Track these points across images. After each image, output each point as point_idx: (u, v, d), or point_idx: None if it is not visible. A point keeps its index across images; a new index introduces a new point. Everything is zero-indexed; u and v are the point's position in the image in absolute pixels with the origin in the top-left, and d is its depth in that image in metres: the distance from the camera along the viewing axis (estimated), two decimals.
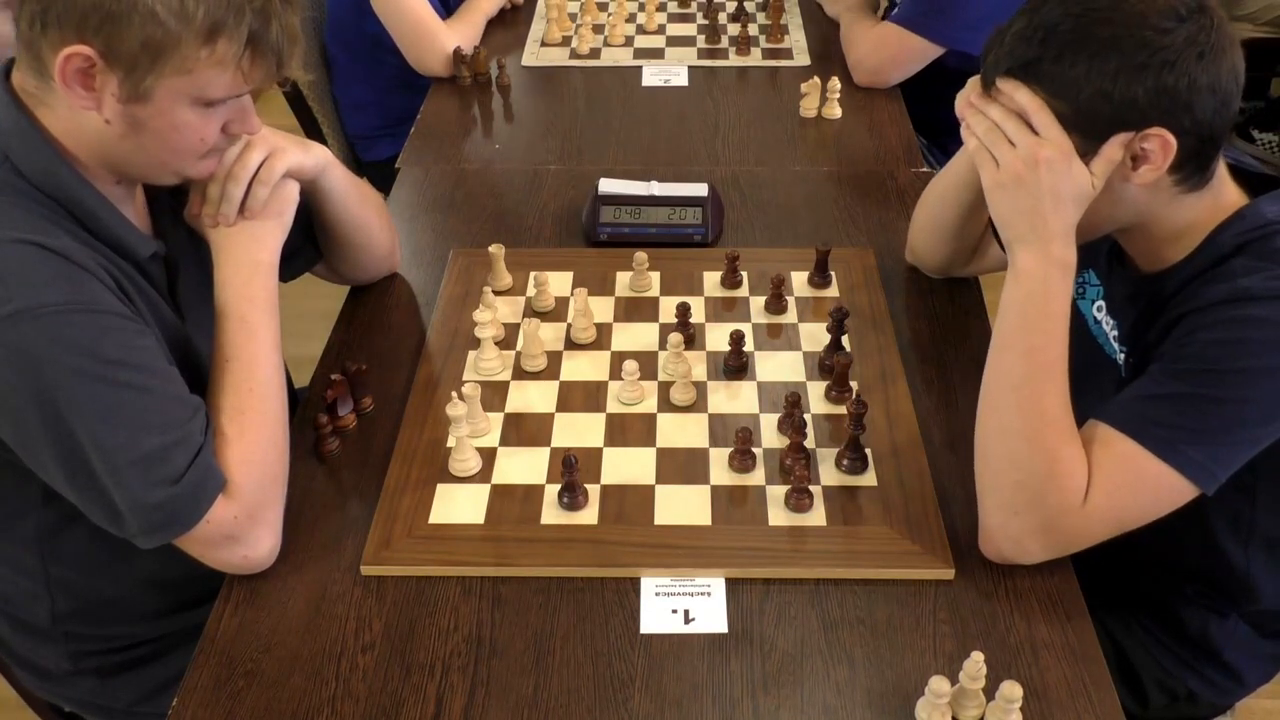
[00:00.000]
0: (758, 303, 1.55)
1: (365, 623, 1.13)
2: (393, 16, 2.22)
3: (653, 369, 1.43)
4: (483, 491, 1.26)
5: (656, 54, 2.31)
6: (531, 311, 1.53)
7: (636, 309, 1.54)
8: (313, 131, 2.45)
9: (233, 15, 1.06)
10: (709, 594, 1.15)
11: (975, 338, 1.50)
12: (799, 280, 1.58)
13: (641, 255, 1.58)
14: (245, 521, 1.13)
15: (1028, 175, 1.11)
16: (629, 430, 1.34)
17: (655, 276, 1.59)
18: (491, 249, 1.57)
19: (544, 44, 2.36)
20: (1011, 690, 0.99)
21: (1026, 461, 1.11)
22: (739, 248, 1.60)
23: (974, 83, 1.19)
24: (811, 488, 1.24)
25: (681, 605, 1.14)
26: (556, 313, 1.54)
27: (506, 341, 1.48)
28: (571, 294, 1.53)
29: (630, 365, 1.37)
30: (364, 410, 1.38)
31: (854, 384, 1.39)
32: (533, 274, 1.57)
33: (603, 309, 1.54)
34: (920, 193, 1.57)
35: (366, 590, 1.17)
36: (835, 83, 2.06)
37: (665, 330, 1.48)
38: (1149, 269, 1.22)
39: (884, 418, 1.34)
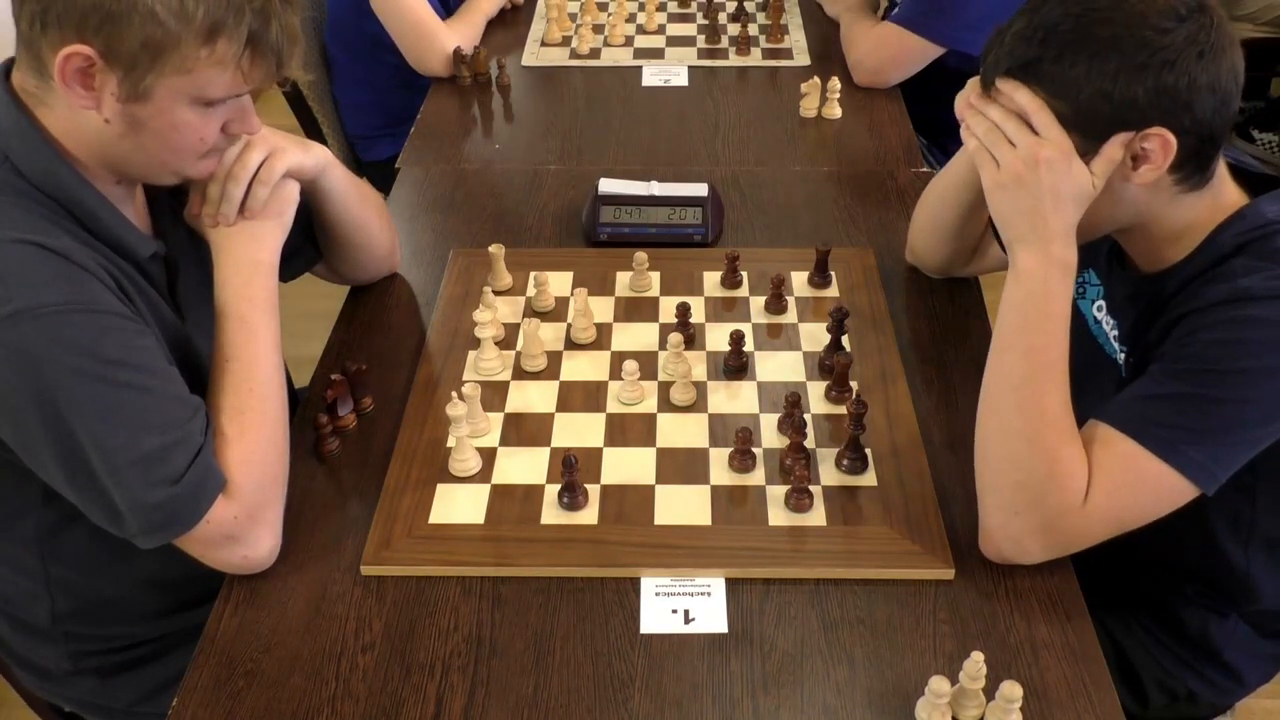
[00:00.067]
0: (758, 303, 1.55)
1: (365, 623, 1.13)
2: (392, 16, 2.22)
3: (653, 369, 1.43)
4: (483, 491, 1.26)
5: (656, 54, 2.31)
6: (531, 311, 1.53)
7: (636, 309, 1.54)
8: (313, 131, 2.45)
9: (232, 15, 1.06)
10: (709, 594, 1.15)
11: (975, 338, 1.50)
12: (799, 280, 1.58)
13: (641, 255, 1.58)
14: (245, 521, 1.13)
15: (1028, 175, 1.11)
16: (629, 430, 1.34)
17: (655, 276, 1.59)
18: (491, 249, 1.57)
19: (544, 44, 2.36)
20: (1011, 690, 0.99)
21: (1027, 461, 1.11)
22: (739, 248, 1.60)
23: (974, 83, 1.19)
24: (811, 488, 1.24)
25: (681, 605, 1.14)
26: (556, 313, 1.53)
27: (506, 341, 1.48)
28: (571, 294, 1.53)
29: (630, 365, 1.37)
30: (364, 410, 1.38)
31: (854, 384, 1.38)
32: (533, 274, 1.57)
33: (603, 309, 1.54)
34: (920, 193, 1.57)
35: (366, 590, 1.17)
36: (835, 83, 2.06)
37: (665, 330, 1.48)
38: (1149, 269, 1.22)
39: (884, 418, 1.34)
